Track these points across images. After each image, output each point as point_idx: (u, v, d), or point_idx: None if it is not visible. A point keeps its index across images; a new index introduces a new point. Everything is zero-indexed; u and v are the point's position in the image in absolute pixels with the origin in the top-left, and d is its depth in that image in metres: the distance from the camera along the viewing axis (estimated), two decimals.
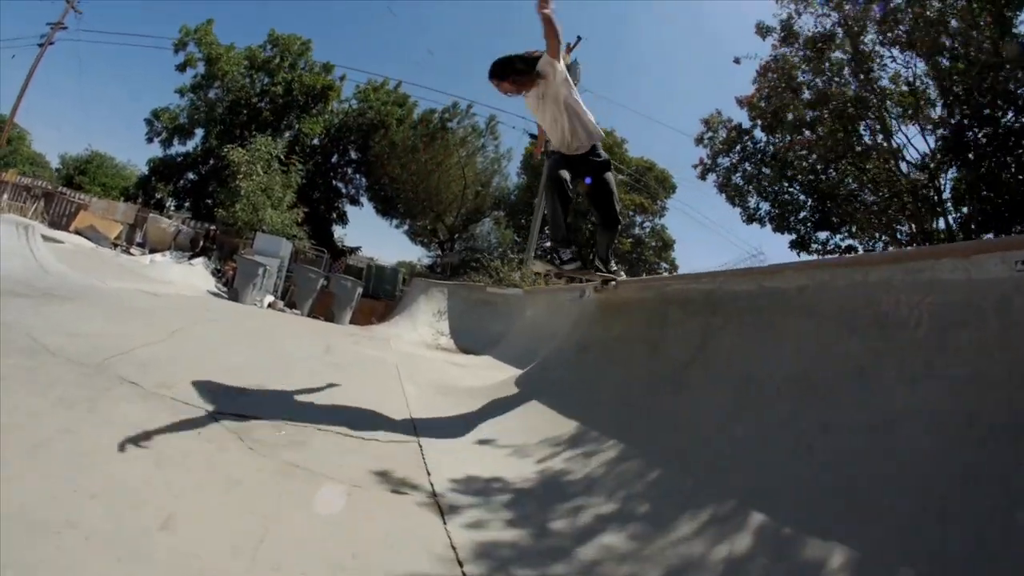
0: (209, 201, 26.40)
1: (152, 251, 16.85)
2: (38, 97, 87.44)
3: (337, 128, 31.39)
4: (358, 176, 33.46)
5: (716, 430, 2.65)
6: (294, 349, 6.07)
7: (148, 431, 2.40)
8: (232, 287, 13.37)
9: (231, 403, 3.13)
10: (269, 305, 13.49)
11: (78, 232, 17.61)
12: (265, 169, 18.85)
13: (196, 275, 13.54)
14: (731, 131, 20.80)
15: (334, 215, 33.20)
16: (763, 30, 18.49)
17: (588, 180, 3.86)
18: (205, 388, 3.29)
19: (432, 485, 2.54)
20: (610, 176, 4.01)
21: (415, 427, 3.50)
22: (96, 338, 3.98)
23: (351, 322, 13.56)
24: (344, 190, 33.93)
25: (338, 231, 33.70)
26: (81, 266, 8.79)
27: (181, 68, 29.25)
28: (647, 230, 34.19)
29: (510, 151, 31.65)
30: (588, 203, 4.27)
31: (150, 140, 30.30)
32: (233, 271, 14.62)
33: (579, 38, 22.90)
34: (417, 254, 35.66)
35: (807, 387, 2.38)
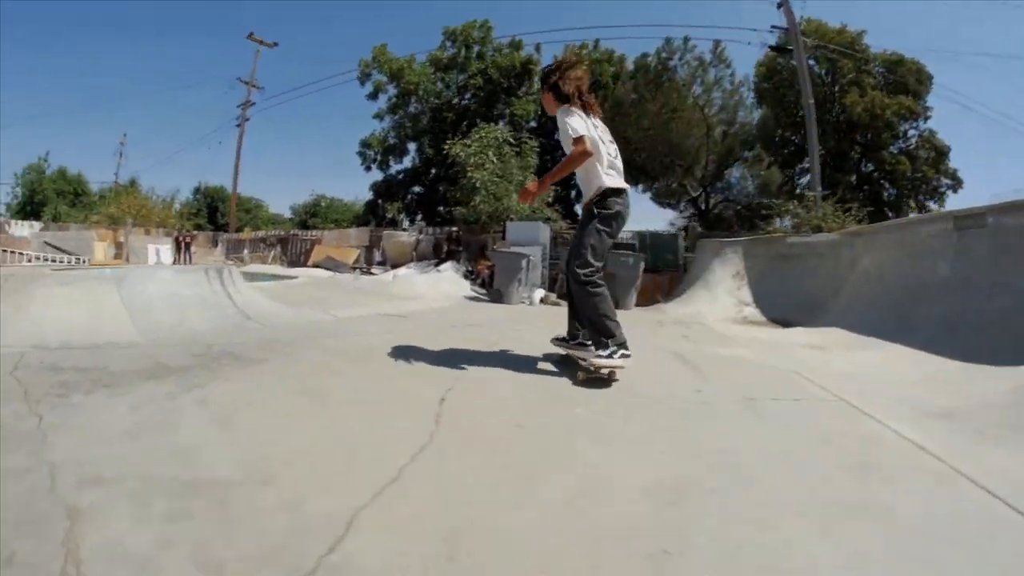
0: (441, 208, 26.28)
1: (393, 267, 15.86)
2: (258, 165, 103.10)
3: None
4: None
5: None
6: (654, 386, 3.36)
7: None
8: (492, 287, 11.31)
9: None
10: (541, 300, 11.05)
11: (316, 265, 17.47)
12: (497, 155, 17.00)
13: (447, 282, 11.74)
14: None
15: (572, 194, 31.78)
16: None
17: None
18: None
19: None
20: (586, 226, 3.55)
21: None
22: (241, 492, 1.44)
23: (636, 304, 10.95)
24: None
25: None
26: (310, 298, 7.40)
27: (372, 96, 30.42)
28: (913, 141, 26.32)
29: (746, 77, 27.02)
30: None
31: (367, 168, 31.86)
32: (488, 269, 12.64)
33: None
34: (665, 218, 32.58)
35: None
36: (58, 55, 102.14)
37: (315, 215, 43.97)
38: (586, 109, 3.57)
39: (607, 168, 3.55)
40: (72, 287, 4.96)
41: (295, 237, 22.53)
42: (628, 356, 3.27)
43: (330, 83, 64.65)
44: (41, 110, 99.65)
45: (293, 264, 19.97)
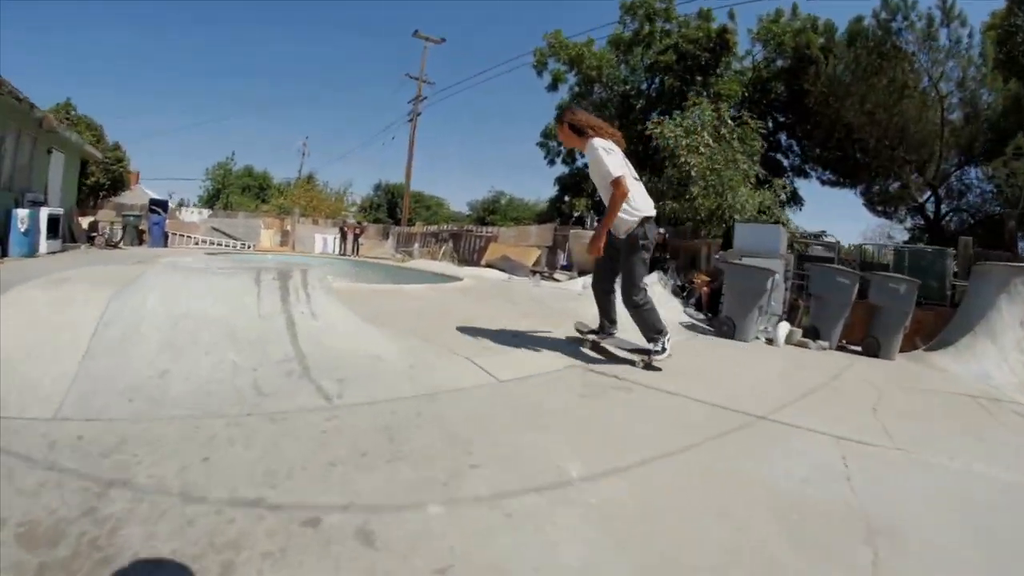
0: None
1: (581, 272, 13.24)
2: (435, 163, 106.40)
3: (751, 87, 25.05)
4: (792, 141, 26.80)
5: None
6: None
7: None
8: (713, 312, 8.43)
9: None
10: (786, 339, 7.84)
11: (490, 265, 15.42)
12: (714, 135, 13.60)
13: (655, 300, 8.88)
14: None
15: (783, 196, 26.74)
16: None
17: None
18: None
19: None
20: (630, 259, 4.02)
21: None
22: None
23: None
24: (786, 163, 26.94)
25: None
26: (460, 320, 4.90)
27: (552, 87, 27.67)
28: None
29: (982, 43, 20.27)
30: None
31: (551, 162, 29.04)
32: (708, 287, 9.67)
33: None
34: (861, 230, 25.83)
35: None
36: (239, 58, 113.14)
37: (494, 212, 42.75)
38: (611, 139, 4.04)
39: (640, 200, 3.96)
40: (56, 291, 3.24)
41: (469, 233, 20.44)
42: (668, 336, 4.06)
43: (501, 70, 63.74)
44: (229, 111, 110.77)
45: (465, 262, 18.09)
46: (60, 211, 12.03)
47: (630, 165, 4.03)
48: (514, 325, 4.90)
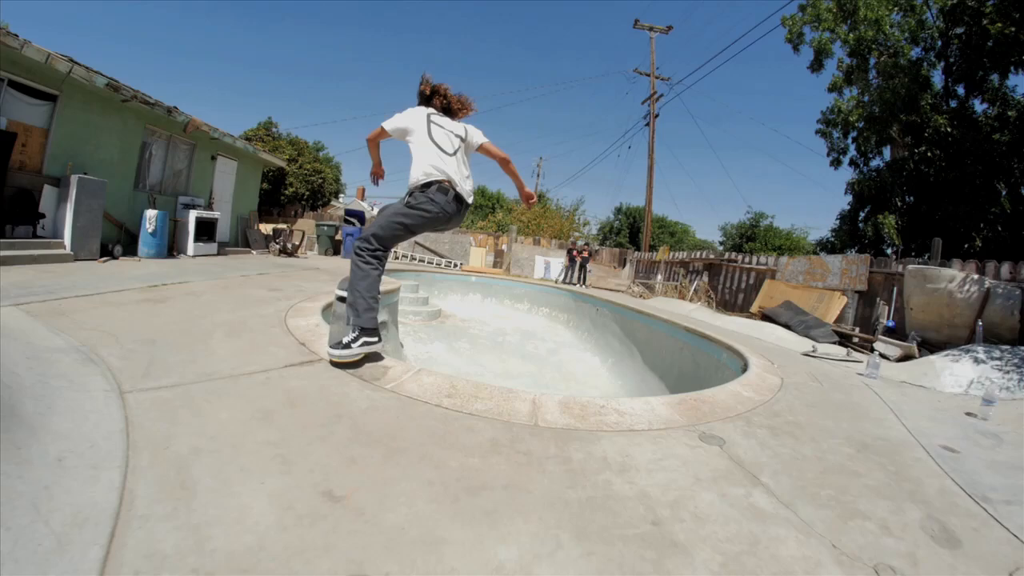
0: (964, 228, 16.68)
1: (925, 345, 8.30)
2: (677, 186, 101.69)
3: None
4: None
5: None
6: None
7: None
8: None
9: None
10: None
11: (764, 315, 11.02)
12: None
13: None
14: None
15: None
16: None
17: None
18: None
19: None
20: (394, 211, 3.54)
21: None
22: None
23: None
24: None
25: None
26: None
27: (816, 65, 21.25)
28: None
29: None
30: None
31: (835, 161, 22.33)
32: None
33: None
34: None
35: None
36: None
37: (752, 239, 36.12)
38: (448, 111, 3.76)
39: (427, 163, 3.50)
40: None
41: (730, 265, 15.36)
42: (373, 344, 3.36)
43: (737, 54, 56.46)
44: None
45: (725, 306, 13.73)
46: (215, 215, 11.99)
47: (443, 136, 3.60)
48: None
